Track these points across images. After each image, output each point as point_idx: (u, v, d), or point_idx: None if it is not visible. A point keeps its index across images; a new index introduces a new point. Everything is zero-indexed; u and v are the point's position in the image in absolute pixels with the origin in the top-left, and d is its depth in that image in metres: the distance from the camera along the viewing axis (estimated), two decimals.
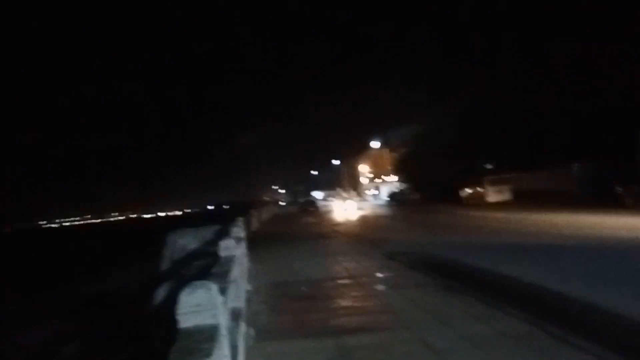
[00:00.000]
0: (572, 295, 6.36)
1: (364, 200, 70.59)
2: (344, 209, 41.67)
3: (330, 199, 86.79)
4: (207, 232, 17.76)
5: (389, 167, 60.91)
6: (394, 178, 60.91)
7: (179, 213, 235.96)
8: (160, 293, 12.92)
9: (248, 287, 8.28)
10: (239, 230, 9.04)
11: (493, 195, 27.12)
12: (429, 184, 43.69)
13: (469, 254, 10.72)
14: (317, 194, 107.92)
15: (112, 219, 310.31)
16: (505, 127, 30.00)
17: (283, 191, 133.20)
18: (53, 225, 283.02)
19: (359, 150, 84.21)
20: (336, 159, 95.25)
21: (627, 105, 21.41)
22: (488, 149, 32.06)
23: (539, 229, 14.86)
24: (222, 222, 17.76)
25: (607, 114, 22.06)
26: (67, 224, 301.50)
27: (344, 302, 6.88)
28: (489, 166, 33.35)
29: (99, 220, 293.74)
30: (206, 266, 10.05)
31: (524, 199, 25.49)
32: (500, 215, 20.84)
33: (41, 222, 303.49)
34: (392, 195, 53.31)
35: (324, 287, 8.13)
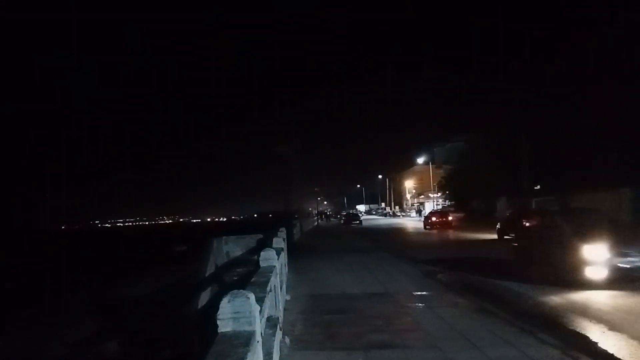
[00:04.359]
0: None
1: (408, 215, 69.90)
2: None
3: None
4: (250, 241, 18.25)
5: (434, 184, 60.04)
6: (438, 194, 60.03)
7: (224, 219, 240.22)
8: (203, 297, 13.38)
9: (287, 297, 8.55)
10: (280, 240, 9.31)
11: None
12: (472, 202, 42.84)
13: None
14: (361, 208, 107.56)
15: (161, 222, 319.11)
16: (553, 147, 29.09)
17: (326, 203, 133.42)
18: (106, 225, 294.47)
19: (404, 165, 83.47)
20: (381, 173, 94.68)
21: None
22: (535, 168, 31.15)
23: None
24: (265, 231, 18.19)
25: None
26: (120, 224, 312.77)
27: (376, 318, 7.00)
28: (536, 187, 32.35)
29: (148, 223, 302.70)
30: (247, 274, 10.41)
31: None
32: None
33: (96, 222, 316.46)
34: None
35: (358, 302, 8.28)
